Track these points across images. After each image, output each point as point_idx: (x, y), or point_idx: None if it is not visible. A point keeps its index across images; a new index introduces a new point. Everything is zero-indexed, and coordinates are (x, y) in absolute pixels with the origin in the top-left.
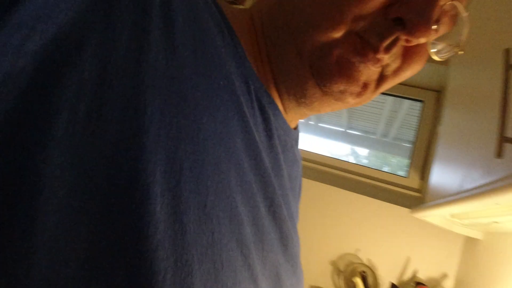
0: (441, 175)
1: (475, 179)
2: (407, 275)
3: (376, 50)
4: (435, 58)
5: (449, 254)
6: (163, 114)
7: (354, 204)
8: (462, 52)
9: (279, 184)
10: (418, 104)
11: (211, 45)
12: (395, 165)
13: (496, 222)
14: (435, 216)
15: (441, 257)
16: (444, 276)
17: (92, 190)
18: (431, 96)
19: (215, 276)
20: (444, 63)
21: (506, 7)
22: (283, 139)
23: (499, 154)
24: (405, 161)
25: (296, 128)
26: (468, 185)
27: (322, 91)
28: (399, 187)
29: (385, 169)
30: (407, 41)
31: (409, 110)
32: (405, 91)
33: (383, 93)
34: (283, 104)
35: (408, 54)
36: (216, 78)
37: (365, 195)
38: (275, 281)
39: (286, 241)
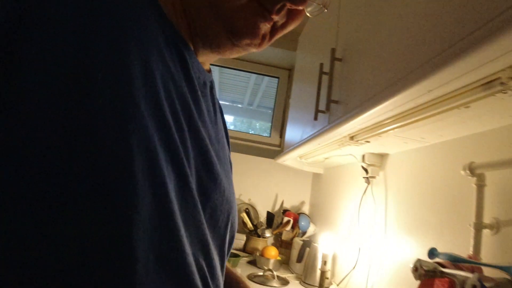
0: (291, 132)
1: (307, 132)
2: (277, 206)
3: (271, 13)
4: (309, 15)
5: (304, 187)
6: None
7: (233, 161)
8: (326, 10)
9: (197, 108)
10: (276, 79)
11: (141, 11)
12: (259, 128)
13: (327, 158)
14: (289, 159)
15: (299, 190)
16: (302, 203)
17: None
18: (284, 73)
19: (151, 156)
20: (292, 48)
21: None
22: (198, 76)
23: (315, 118)
24: (268, 124)
25: (209, 72)
26: (304, 136)
27: (233, 44)
28: (265, 144)
29: (251, 132)
30: (291, 6)
31: (269, 83)
32: (265, 69)
33: (247, 71)
34: (196, 51)
35: (291, 14)
36: (145, 28)
37: (240, 153)
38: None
39: (206, 157)
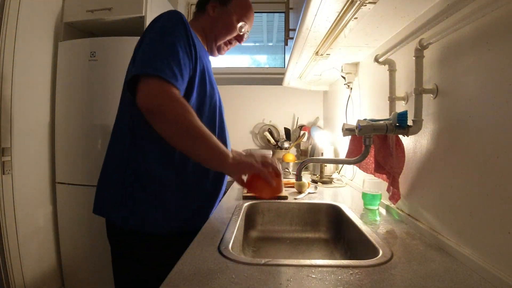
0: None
1: (288, 56)
2: (295, 123)
3: (231, 44)
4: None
5: (317, 104)
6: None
7: (256, 92)
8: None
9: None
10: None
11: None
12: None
13: (319, 75)
14: (292, 81)
15: (313, 107)
16: (317, 118)
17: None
18: (282, 6)
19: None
20: None
21: None
22: (208, 59)
23: (286, 44)
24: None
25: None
26: (287, 60)
27: (219, 53)
28: (280, 74)
29: (278, 64)
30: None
31: (280, 18)
32: (267, 7)
33: (259, 11)
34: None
35: (239, 40)
36: (202, 46)
37: (259, 84)
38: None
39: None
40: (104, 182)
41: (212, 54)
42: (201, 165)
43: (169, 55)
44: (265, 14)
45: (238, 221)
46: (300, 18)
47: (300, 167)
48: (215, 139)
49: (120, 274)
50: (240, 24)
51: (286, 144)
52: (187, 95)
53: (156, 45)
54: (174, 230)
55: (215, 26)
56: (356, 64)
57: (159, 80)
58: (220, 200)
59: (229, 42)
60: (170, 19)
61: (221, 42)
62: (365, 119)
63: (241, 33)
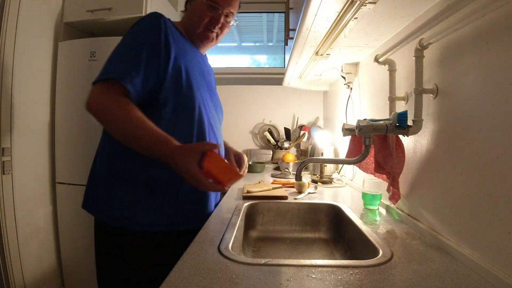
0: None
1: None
2: (295, 123)
3: (212, 31)
4: (232, 24)
5: (317, 104)
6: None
7: (256, 92)
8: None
9: (207, 70)
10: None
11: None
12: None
13: (319, 75)
14: (292, 81)
15: (313, 107)
16: (317, 118)
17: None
18: (282, 6)
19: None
20: None
21: None
22: (204, 58)
23: (286, 44)
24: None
25: (205, 54)
26: (287, 60)
27: (205, 40)
28: (281, 74)
29: (278, 64)
30: (221, 29)
31: (280, 18)
32: (266, 7)
33: (253, 11)
34: (197, 46)
35: (222, 28)
36: (185, 40)
37: (259, 85)
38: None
39: (211, 87)
40: (94, 180)
41: (199, 48)
42: None
43: (124, 58)
44: (265, 14)
45: (238, 221)
46: (300, 18)
47: (300, 167)
48: (144, 126)
49: (110, 274)
50: (206, 2)
51: (286, 144)
52: (156, 92)
53: (115, 53)
54: (165, 229)
55: (189, 17)
56: (356, 64)
57: (101, 85)
58: (218, 201)
59: (209, 28)
60: (139, 24)
61: (199, 30)
62: (365, 119)
63: (215, 14)
